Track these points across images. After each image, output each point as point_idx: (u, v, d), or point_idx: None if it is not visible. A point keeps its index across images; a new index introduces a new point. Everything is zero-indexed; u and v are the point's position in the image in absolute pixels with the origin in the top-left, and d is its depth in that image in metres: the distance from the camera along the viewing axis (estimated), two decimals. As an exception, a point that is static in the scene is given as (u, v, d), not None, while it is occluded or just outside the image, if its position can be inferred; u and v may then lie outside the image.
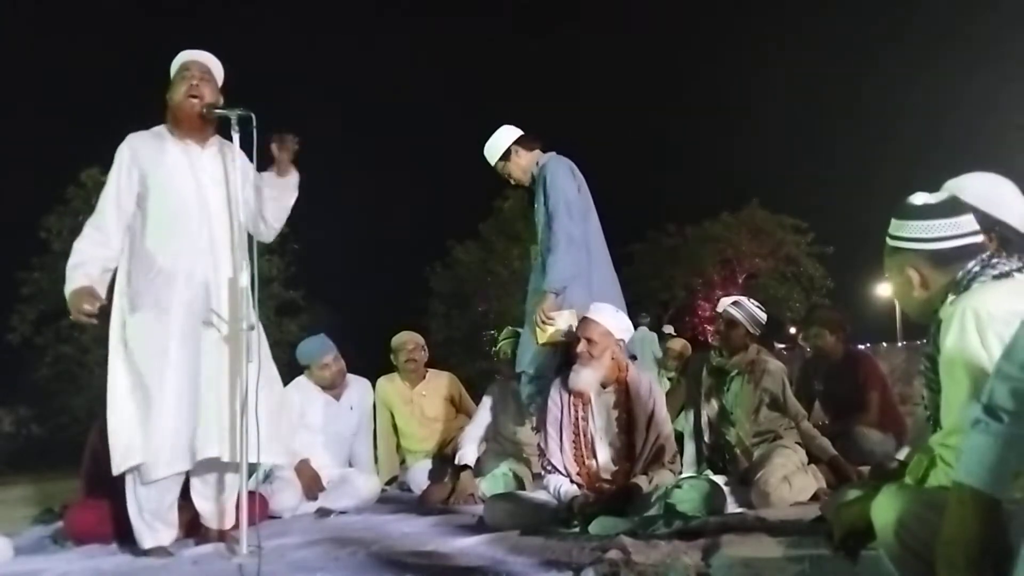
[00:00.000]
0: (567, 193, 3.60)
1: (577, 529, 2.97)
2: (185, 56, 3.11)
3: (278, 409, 3.10)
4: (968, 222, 1.65)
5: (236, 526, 2.84)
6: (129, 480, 2.93)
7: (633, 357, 3.54)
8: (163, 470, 2.87)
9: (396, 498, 4.47)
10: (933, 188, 1.78)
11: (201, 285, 2.95)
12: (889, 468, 2.82)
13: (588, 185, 3.78)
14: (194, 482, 3.06)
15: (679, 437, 3.85)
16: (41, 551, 3.23)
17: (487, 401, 4.39)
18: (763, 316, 3.93)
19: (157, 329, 2.90)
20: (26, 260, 12.77)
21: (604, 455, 3.26)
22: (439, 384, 4.96)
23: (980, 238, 1.65)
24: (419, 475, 4.57)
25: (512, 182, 3.95)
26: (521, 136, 3.85)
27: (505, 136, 3.86)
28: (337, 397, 4.41)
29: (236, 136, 2.93)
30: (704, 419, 3.94)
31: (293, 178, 3.19)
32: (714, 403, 3.93)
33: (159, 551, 2.93)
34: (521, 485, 3.95)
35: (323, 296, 16.26)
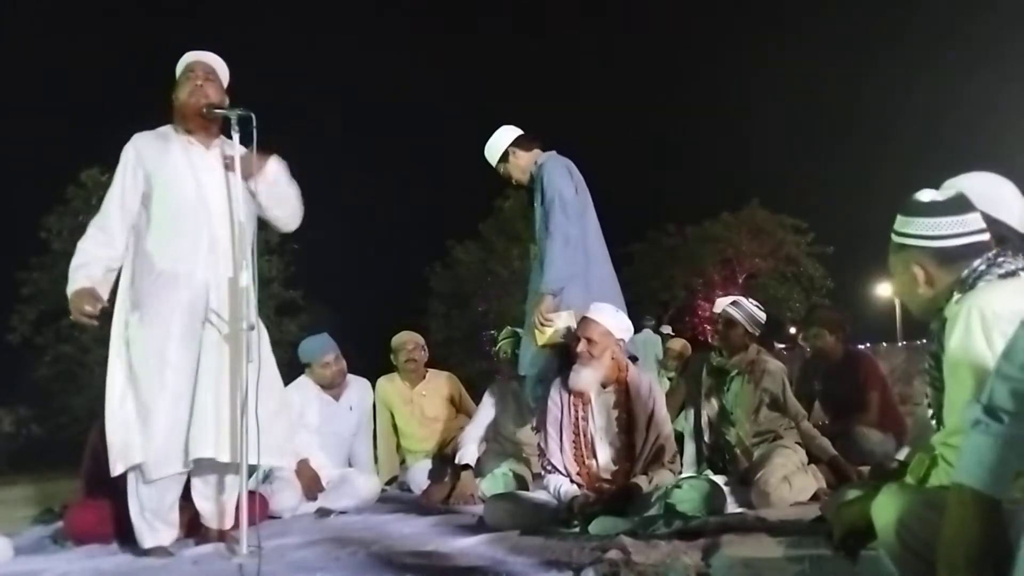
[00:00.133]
0: (563, 193, 3.59)
1: (577, 529, 2.97)
2: (190, 57, 3.13)
3: (278, 410, 3.10)
4: (975, 220, 1.64)
5: (236, 526, 2.84)
6: (131, 479, 2.94)
7: (633, 358, 3.53)
8: (160, 470, 2.87)
9: (396, 498, 4.46)
10: (933, 188, 1.77)
11: (203, 285, 2.95)
12: (889, 468, 2.82)
13: (588, 185, 3.78)
14: (195, 482, 3.06)
15: (679, 437, 3.85)
16: (41, 551, 3.22)
17: (487, 401, 4.39)
18: (762, 316, 3.93)
19: (158, 329, 2.91)
20: (26, 260, 12.79)
21: (604, 455, 3.26)
22: (439, 384, 4.96)
23: (986, 236, 1.64)
24: (419, 475, 4.57)
25: (513, 182, 3.95)
26: (519, 137, 3.85)
27: (503, 137, 3.86)
28: (337, 397, 4.41)
29: (236, 136, 2.94)
30: (704, 419, 3.94)
31: (270, 169, 3.09)
32: (714, 403, 3.93)
33: (159, 551, 2.93)
34: (521, 485, 3.95)
35: (323, 296, 16.27)
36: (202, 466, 3.02)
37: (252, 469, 2.84)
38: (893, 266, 1.74)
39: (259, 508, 2.82)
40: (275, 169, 3.13)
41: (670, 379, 6.95)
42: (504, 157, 3.85)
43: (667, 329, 9.65)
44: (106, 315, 2.94)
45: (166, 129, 3.11)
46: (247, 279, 2.80)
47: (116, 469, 2.87)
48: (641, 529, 2.77)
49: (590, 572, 2.24)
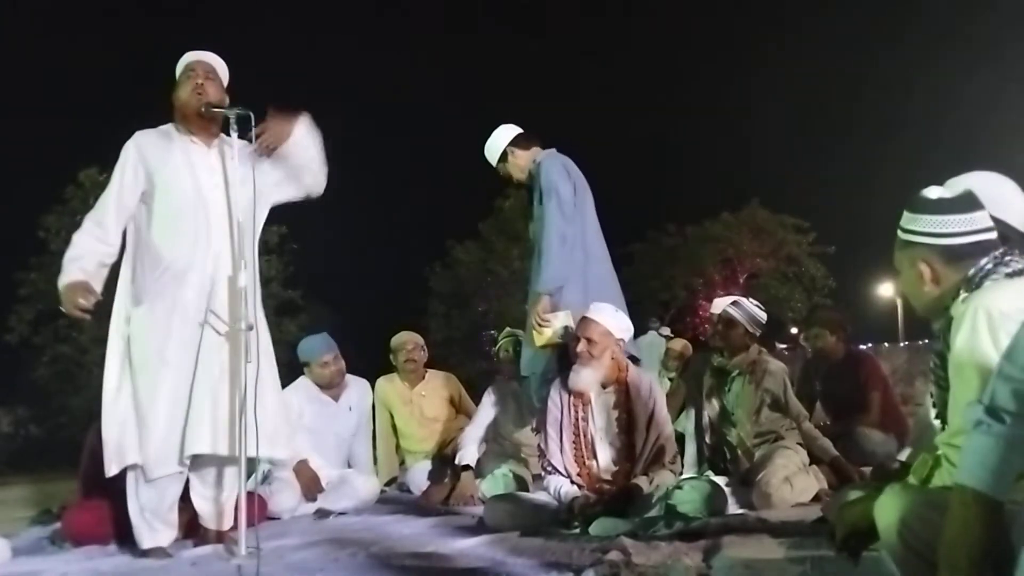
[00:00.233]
0: (560, 191, 3.58)
1: (577, 530, 2.96)
2: (191, 56, 3.13)
3: (277, 403, 3.09)
4: (983, 218, 1.63)
5: (235, 527, 2.83)
6: (130, 479, 2.93)
7: (633, 359, 3.50)
8: (158, 470, 2.87)
9: (395, 499, 4.46)
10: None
11: (204, 284, 2.95)
12: (891, 469, 2.82)
13: (589, 185, 3.77)
14: (193, 483, 3.06)
15: (680, 438, 3.84)
16: (39, 552, 3.22)
17: (487, 402, 4.38)
18: (763, 316, 3.92)
19: (158, 328, 2.90)
20: (24, 260, 12.77)
21: (604, 456, 3.25)
22: (438, 384, 4.95)
23: (994, 235, 1.62)
24: (419, 476, 4.56)
25: (514, 181, 3.94)
26: (517, 136, 3.84)
27: (502, 137, 3.85)
28: (336, 398, 4.40)
29: (235, 135, 2.94)
30: (705, 420, 3.94)
31: (298, 132, 3.06)
32: (715, 404, 3.92)
33: (158, 552, 2.92)
34: (522, 486, 3.94)
35: (323, 296, 16.26)
36: (201, 466, 3.01)
37: (251, 469, 2.83)
38: (899, 263, 1.72)
39: (258, 509, 2.82)
40: (302, 131, 3.10)
41: (670, 380, 6.94)
42: (503, 156, 3.84)
43: (666, 331, 9.62)
44: (101, 310, 2.93)
45: (168, 128, 3.11)
46: (246, 279, 2.80)
47: (111, 469, 2.87)
48: (642, 530, 2.76)
49: (590, 573, 2.23)
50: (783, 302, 23.72)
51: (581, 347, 3.20)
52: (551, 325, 3.47)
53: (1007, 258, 1.57)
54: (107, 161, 3.07)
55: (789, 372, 3.99)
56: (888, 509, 1.41)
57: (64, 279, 2.88)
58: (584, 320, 3.27)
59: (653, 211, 26.24)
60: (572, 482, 3.22)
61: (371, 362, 5.21)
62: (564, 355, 3.45)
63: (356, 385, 4.53)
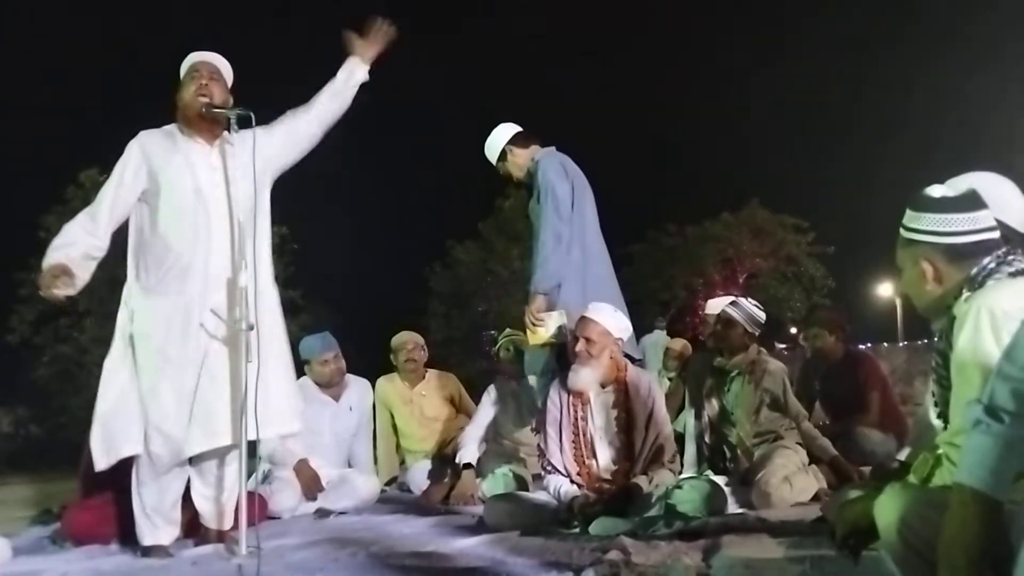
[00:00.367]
0: (556, 190, 3.57)
1: (577, 530, 2.97)
2: (195, 57, 3.13)
3: (287, 377, 3.10)
4: (986, 217, 1.62)
5: (235, 527, 2.84)
6: (134, 477, 2.94)
7: (631, 359, 3.49)
8: (160, 467, 2.89)
9: (396, 499, 4.46)
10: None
11: (206, 283, 2.95)
12: (890, 468, 2.82)
13: (589, 184, 3.76)
14: (194, 482, 3.06)
15: (679, 438, 3.84)
16: (40, 552, 3.22)
17: (487, 401, 4.38)
18: (761, 315, 3.92)
19: (161, 326, 2.91)
20: (24, 260, 12.76)
21: (604, 455, 3.25)
22: (439, 384, 4.96)
23: (997, 234, 1.62)
24: (419, 475, 4.56)
25: (513, 180, 3.95)
26: (516, 134, 3.84)
27: (500, 135, 3.85)
28: (336, 397, 4.40)
29: (235, 135, 2.95)
30: (705, 419, 3.94)
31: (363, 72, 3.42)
32: (715, 403, 3.92)
33: (159, 551, 2.93)
34: (522, 486, 3.94)
35: (323, 296, 16.25)
36: (202, 465, 3.01)
37: (251, 468, 2.83)
38: (901, 261, 1.72)
39: (258, 509, 2.82)
40: (363, 75, 3.43)
41: (670, 379, 6.94)
42: (502, 155, 3.84)
43: (662, 329, 9.62)
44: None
45: (171, 128, 3.11)
46: (246, 279, 2.80)
47: (100, 464, 2.86)
48: (641, 530, 2.76)
49: (590, 573, 2.23)
50: (782, 302, 23.71)
51: (580, 347, 3.20)
52: (545, 324, 3.47)
53: (1010, 257, 1.57)
54: (107, 161, 3.07)
55: (788, 372, 3.99)
56: (888, 508, 1.41)
57: (46, 262, 2.85)
58: (583, 320, 3.27)
59: (653, 211, 26.21)
60: (572, 481, 3.22)
61: (371, 362, 5.21)
62: (563, 355, 3.46)
63: (356, 385, 4.53)
